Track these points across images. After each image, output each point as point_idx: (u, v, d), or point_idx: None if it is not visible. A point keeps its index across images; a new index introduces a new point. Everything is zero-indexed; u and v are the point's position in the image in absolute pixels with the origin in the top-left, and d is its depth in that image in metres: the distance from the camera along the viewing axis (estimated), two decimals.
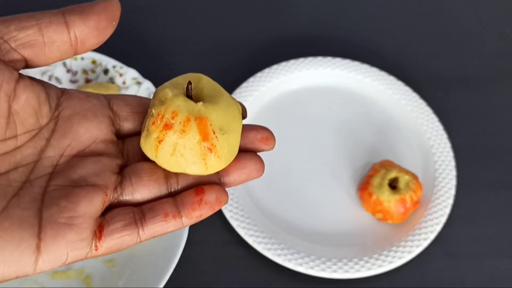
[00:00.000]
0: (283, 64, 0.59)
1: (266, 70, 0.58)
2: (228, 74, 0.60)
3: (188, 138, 0.25)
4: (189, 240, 0.46)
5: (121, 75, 0.55)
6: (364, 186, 0.49)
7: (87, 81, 0.56)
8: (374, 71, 0.59)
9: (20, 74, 0.24)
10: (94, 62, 0.56)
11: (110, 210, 0.25)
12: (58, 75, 0.56)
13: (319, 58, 0.59)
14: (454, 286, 0.48)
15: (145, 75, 0.56)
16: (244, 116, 0.28)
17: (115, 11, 0.25)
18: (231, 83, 0.58)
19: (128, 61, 0.57)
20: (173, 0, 0.66)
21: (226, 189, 0.26)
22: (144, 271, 0.45)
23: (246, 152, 0.27)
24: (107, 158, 0.26)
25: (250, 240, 0.48)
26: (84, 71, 0.56)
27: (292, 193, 0.52)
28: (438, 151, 0.53)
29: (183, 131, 0.25)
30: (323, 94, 0.59)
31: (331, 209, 0.51)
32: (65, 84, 0.56)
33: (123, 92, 0.54)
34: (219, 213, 0.50)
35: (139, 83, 0.55)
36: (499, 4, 0.68)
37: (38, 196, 0.24)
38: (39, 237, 0.23)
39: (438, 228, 0.49)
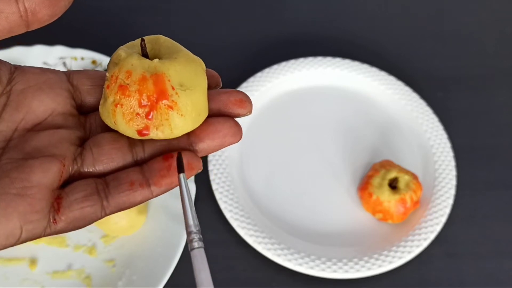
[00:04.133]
0: (283, 64, 0.59)
1: (266, 70, 0.58)
2: (228, 74, 0.60)
3: (145, 97, 0.23)
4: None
5: None
6: (364, 186, 0.49)
7: None
8: (374, 71, 0.59)
9: None
10: (94, 62, 0.56)
11: (72, 183, 0.24)
12: None
13: (319, 58, 0.59)
14: (454, 286, 0.48)
15: None
16: (218, 83, 0.27)
17: None
18: (231, 83, 0.58)
19: None
20: (173, 0, 0.66)
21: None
22: (144, 271, 0.45)
23: (219, 116, 0.25)
24: (65, 130, 0.25)
25: (250, 240, 0.48)
26: None
27: (292, 193, 0.52)
28: (438, 151, 0.53)
29: (139, 90, 0.23)
30: (323, 94, 0.59)
31: (331, 209, 0.51)
32: None
33: None
34: (219, 213, 0.50)
35: None
36: (499, 4, 0.68)
37: None
38: None
39: (438, 228, 0.49)
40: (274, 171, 0.53)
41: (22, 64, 0.55)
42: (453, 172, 0.52)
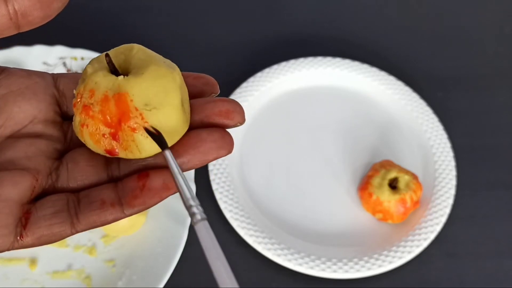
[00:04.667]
0: (283, 64, 0.59)
1: (266, 70, 0.58)
2: (228, 74, 0.60)
3: (108, 118, 0.22)
4: (189, 240, 0.46)
5: None
6: (364, 186, 0.49)
7: None
8: (374, 71, 0.59)
9: None
10: None
11: (43, 197, 0.23)
12: None
13: (319, 58, 0.59)
14: (454, 286, 0.48)
15: None
16: (215, 91, 0.25)
17: None
18: (231, 83, 0.58)
19: None
20: (173, 0, 0.66)
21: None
22: (144, 271, 0.45)
23: (203, 128, 0.23)
24: (44, 141, 0.24)
25: (250, 240, 0.48)
26: None
27: (292, 193, 0.52)
28: (438, 151, 0.53)
29: (102, 111, 0.22)
30: (323, 94, 0.59)
31: (331, 209, 0.51)
32: None
33: None
34: (219, 213, 0.50)
35: None
36: (499, 5, 0.68)
37: None
38: None
39: (438, 228, 0.49)
40: (274, 171, 0.53)
41: (23, 65, 0.55)
42: (453, 172, 0.52)
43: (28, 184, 0.23)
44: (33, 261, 0.47)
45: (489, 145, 0.56)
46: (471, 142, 0.56)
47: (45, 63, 0.56)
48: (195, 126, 0.24)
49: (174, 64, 0.24)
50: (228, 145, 0.23)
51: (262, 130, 0.56)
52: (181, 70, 0.25)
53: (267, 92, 0.58)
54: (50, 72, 0.26)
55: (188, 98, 0.24)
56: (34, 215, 0.22)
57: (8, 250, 0.22)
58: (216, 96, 0.25)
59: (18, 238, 0.22)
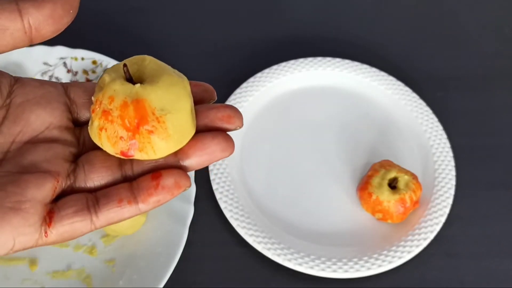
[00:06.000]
0: (283, 64, 0.59)
1: (266, 71, 0.58)
2: (228, 74, 0.60)
3: (126, 122, 0.24)
4: (189, 240, 0.47)
5: None
6: (363, 186, 0.50)
7: (88, 81, 0.56)
8: (374, 71, 0.59)
9: None
10: (94, 62, 0.56)
11: (64, 197, 0.25)
12: (58, 75, 0.56)
13: (319, 58, 0.59)
14: (454, 286, 0.48)
15: None
16: (213, 97, 0.27)
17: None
18: (231, 83, 0.58)
19: None
20: (173, 0, 0.66)
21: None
22: (144, 271, 0.45)
23: (208, 132, 0.26)
24: (60, 145, 0.26)
25: (250, 240, 0.48)
26: (85, 71, 0.56)
27: (292, 193, 0.52)
28: (438, 151, 0.53)
29: (121, 116, 0.24)
30: (323, 94, 0.59)
31: (331, 209, 0.51)
32: None
33: None
34: (219, 213, 0.50)
35: None
36: (499, 4, 0.68)
37: None
38: None
39: (437, 228, 0.49)
40: (274, 171, 0.53)
41: (23, 65, 0.55)
42: (453, 172, 0.52)
43: (50, 185, 0.24)
44: (33, 261, 0.47)
45: (489, 145, 0.56)
46: (471, 142, 0.56)
47: (45, 63, 0.56)
48: (200, 130, 0.26)
49: (182, 74, 0.27)
50: (230, 147, 0.25)
51: (262, 130, 0.56)
52: (181, 70, 0.27)
53: (267, 92, 0.58)
54: (59, 82, 0.28)
55: (193, 104, 0.27)
56: (57, 213, 0.24)
57: (33, 247, 0.24)
58: (215, 102, 0.29)
59: (43, 235, 0.24)
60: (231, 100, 0.56)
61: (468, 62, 0.63)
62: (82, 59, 0.56)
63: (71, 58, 0.56)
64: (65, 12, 0.24)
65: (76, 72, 0.56)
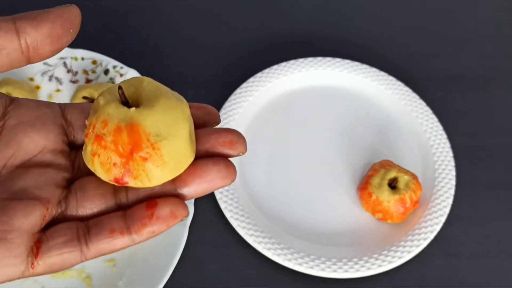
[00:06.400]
0: (283, 64, 0.59)
1: (266, 71, 0.58)
2: (228, 74, 0.60)
3: (120, 148, 0.23)
4: (189, 240, 0.47)
5: (121, 75, 0.55)
6: (363, 186, 0.50)
7: (88, 81, 0.56)
8: (374, 71, 0.59)
9: None
10: (94, 62, 0.56)
11: (54, 225, 0.24)
12: (59, 75, 0.56)
13: (319, 58, 0.59)
14: (454, 286, 0.48)
15: (145, 75, 0.56)
16: (216, 121, 0.26)
17: (73, 18, 0.23)
18: (231, 83, 0.58)
19: (128, 61, 0.57)
20: (173, 1, 0.66)
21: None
22: (144, 271, 0.45)
23: (208, 158, 0.24)
24: (53, 170, 0.25)
25: (250, 240, 0.48)
26: (85, 71, 0.56)
27: (292, 193, 0.52)
28: (438, 151, 0.53)
29: (114, 141, 0.23)
30: (323, 94, 0.59)
31: (331, 209, 0.51)
32: (66, 84, 0.56)
33: None
34: (219, 213, 0.50)
35: None
36: (499, 4, 0.68)
37: None
38: None
39: (437, 228, 0.49)
40: (274, 171, 0.53)
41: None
42: (453, 172, 0.52)
43: (39, 214, 0.23)
44: None
45: (489, 145, 0.56)
46: (471, 142, 0.56)
47: (45, 63, 0.56)
48: (201, 156, 0.25)
49: (182, 97, 0.25)
50: (231, 175, 0.24)
51: (262, 130, 0.56)
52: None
53: (267, 92, 0.58)
54: (56, 103, 0.27)
55: (193, 128, 0.25)
56: (45, 244, 0.23)
57: (18, 278, 0.22)
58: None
59: (29, 267, 0.22)
60: (231, 100, 0.56)
61: (468, 62, 0.63)
62: (82, 59, 0.56)
63: (71, 58, 0.56)
64: (65, 31, 0.23)
65: (76, 72, 0.56)
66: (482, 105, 0.59)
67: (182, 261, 0.45)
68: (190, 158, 0.24)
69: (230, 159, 0.25)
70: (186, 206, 0.24)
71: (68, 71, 0.56)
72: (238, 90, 0.57)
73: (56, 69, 0.56)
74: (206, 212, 0.51)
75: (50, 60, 0.56)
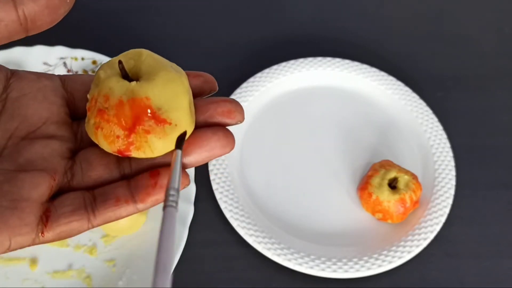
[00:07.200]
0: (283, 64, 0.59)
1: (266, 71, 0.58)
2: (228, 74, 0.60)
3: (123, 122, 0.24)
4: (189, 240, 0.47)
5: None
6: (363, 186, 0.50)
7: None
8: (374, 71, 0.59)
9: None
10: (94, 62, 0.56)
11: (61, 195, 0.24)
12: None
13: (319, 58, 0.59)
14: (454, 286, 0.48)
15: None
16: (213, 88, 0.27)
17: None
18: (231, 83, 0.58)
19: None
20: (173, 1, 0.66)
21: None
22: (144, 270, 0.45)
23: (207, 127, 0.25)
24: (57, 142, 0.25)
25: (250, 240, 0.48)
26: (85, 71, 0.56)
27: (292, 193, 0.52)
28: (438, 151, 0.53)
29: (117, 115, 0.23)
30: (323, 94, 0.59)
31: (331, 209, 0.51)
32: None
33: None
34: (219, 213, 0.50)
35: None
36: (499, 4, 0.68)
37: None
38: None
39: (437, 228, 0.49)
40: (274, 171, 0.53)
41: (23, 65, 0.55)
42: (453, 172, 0.52)
43: (46, 184, 0.24)
44: (33, 261, 0.47)
45: (489, 145, 0.56)
46: (471, 142, 0.56)
47: (45, 63, 0.56)
48: (200, 125, 0.25)
49: (181, 68, 0.26)
50: (230, 143, 0.25)
51: (262, 130, 0.56)
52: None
53: (267, 92, 0.58)
54: (56, 74, 0.27)
55: (192, 99, 0.26)
56: (54, 213, 0.24)
57: (30, 246, 0.23)
58: (215, 95, 0.27)
59: (40, 235, 0.23)
60: None
61: (468, 62, 0.63)
62: (82, 59, 0.56)
63: (71, 58, 0.56)
64: (62, 2, 0.23)
65: (76, 72, 0.56)
66: (482, 105, 0.59)
67: (182, 261, 0.45)
68: (190, 128, 0.25)
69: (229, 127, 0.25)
70: (187, 175, 0.25)
71: (68, 71, 0.56)
72: (238, 90, 0.57)
73: (56, 69, 0.56)
74: (206, 212, 0.51)
75: (50, 60, 0.56)
